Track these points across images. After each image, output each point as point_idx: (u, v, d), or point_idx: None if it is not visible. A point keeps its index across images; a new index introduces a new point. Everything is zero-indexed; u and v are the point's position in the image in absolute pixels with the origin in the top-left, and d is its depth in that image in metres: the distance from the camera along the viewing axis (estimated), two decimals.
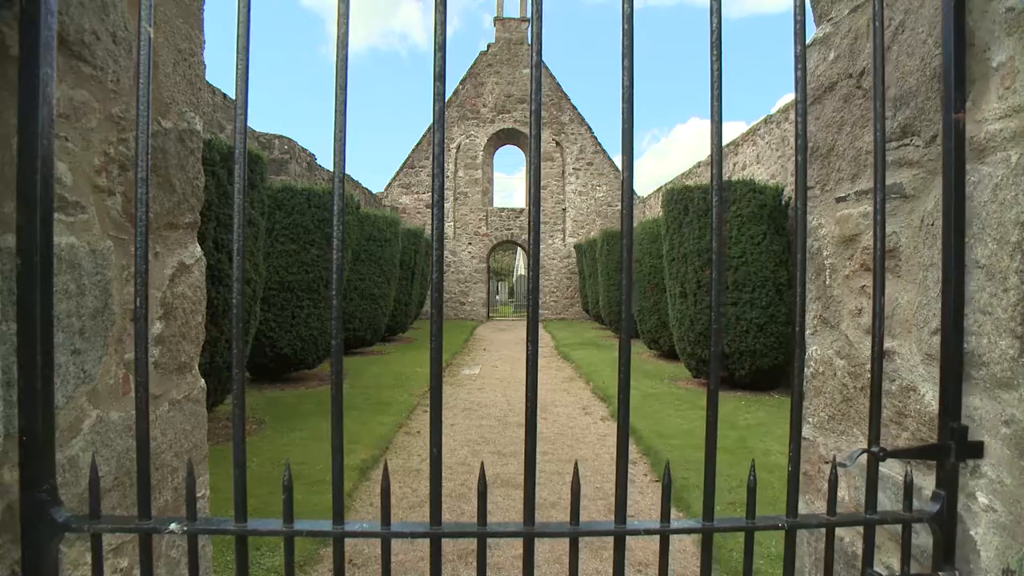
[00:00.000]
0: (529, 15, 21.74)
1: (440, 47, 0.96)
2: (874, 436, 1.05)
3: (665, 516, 1.04)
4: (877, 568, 1.23)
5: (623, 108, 1.02)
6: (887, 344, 1.21)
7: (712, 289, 1.06)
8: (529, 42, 21.99)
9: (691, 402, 7.15)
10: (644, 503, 4.01)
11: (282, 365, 7.81)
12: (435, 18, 0.97)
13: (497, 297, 37.52)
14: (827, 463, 1.41)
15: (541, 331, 17.73)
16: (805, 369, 1.53)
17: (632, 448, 5.33)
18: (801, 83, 1.05)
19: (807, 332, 1.51)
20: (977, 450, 1.01)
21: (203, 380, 1.56)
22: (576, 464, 1.07)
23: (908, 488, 1.06)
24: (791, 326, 7.63)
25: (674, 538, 3.44)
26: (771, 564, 3.05)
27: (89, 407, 1.15)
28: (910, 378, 1.15)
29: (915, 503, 1.10)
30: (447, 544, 3.29)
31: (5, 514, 0.96)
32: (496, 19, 21.60)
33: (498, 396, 7.69)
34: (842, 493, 1.35)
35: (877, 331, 1.05)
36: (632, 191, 1.06)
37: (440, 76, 0.96)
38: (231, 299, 5.30)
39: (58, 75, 1.05)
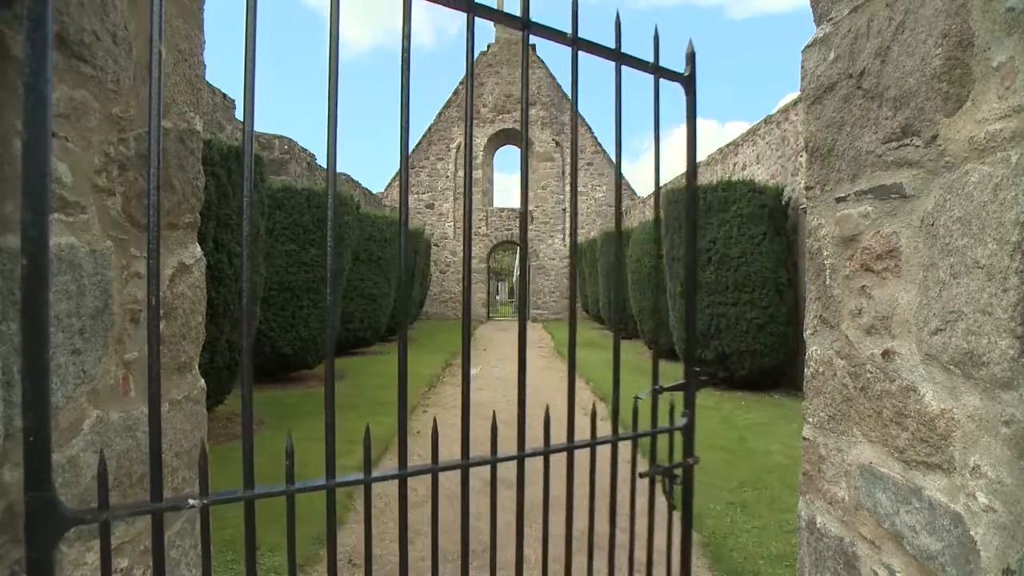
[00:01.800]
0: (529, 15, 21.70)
1: (405, 106, 1.14)
2: (655, 378, 1.63)
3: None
4: (875, 567, 1.23)
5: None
6: (887, 344, 1.21)
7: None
8: (530, 41, 21.92)
9: None
10: (644, 503, 4.00)
11: (282, 365, 7.81)
12: (401, 81, 1.12)
13: (497, 297, 37.55)
14: (826, 463, 1.41)
15: (541, 332, 17.72)
16: (805, 369, 1.53)
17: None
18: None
19: (807, 332, 1.51)
20: (704, 383, 1.71)
21: (203, 380, 1.56)
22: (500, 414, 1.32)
23: (671, 411, 1.65)
24: (791, 326, 7.62)
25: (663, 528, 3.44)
26: (771, 564, 3.05)
27: (89, 407, 1.15)
28: (910, 378, 1.15)
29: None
30: (450, 545, 3.28)
31: (5, 514, 0.96)
32: None
33: (498, 396, 7.69)
34: (842, 493, 1.35)
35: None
36: (520, 219, 1.09)
37: (405, 127, 1.15)
38: (231, 297, 5.27)
39: (58, 75, 1.05)
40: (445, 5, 1.21)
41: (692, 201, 1.70)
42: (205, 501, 1.03)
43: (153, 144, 0.97)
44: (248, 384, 1.08)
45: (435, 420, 1.30)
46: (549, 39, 1.38)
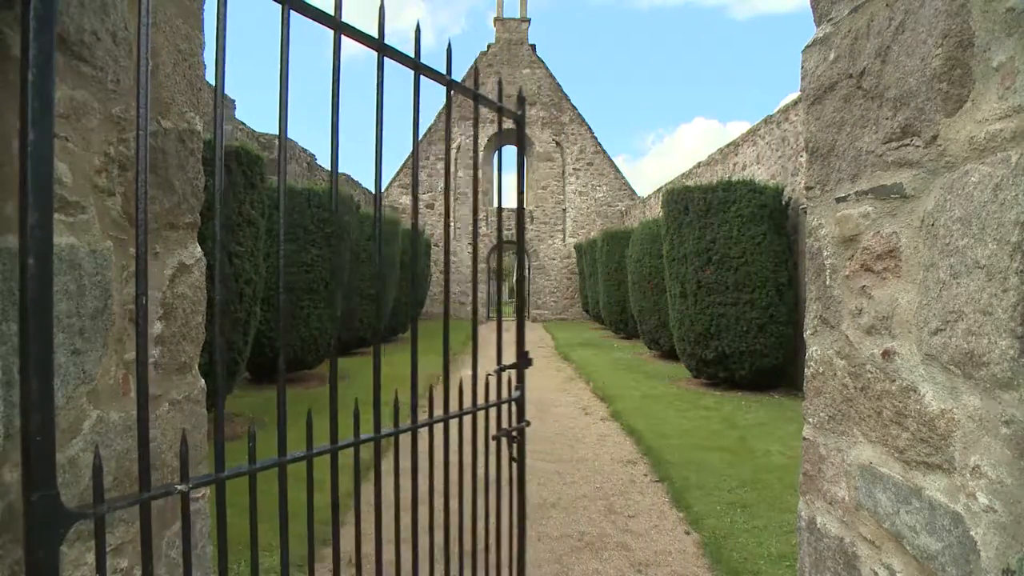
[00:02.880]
0: (529, 15, 21.78)
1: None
2: (499, 359, 2.05)
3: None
4: (875, 567, 1.23)
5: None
6: (887, 344, 1.21)
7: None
8: (530, 41, 22.05)
9: (691, 402, 7.15)
10: (644, 503, 4.00)
11: None
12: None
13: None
14: (826, 463, 1.41)
15: (542, 332, 17.72)
16: (806, 369, 1.53)
17: (632, 448, 5.33)
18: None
19: (807, 332, 1.51)
20: (530, 362, 2.19)
21: (203, 380, 1.56)
22: (396, 391, 1.69)
23: (510, 386, 2.12)
24: (791, 326, 7.63)
25: (673, 537, 3.44)
26: (771, 564, 3.05)
27: (89, 407, 1.15)
28: (910, 378, 1.15)
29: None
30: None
31: (5, 514, 0.96)
32: (496, 19, 21.59)
33: None
34: (843, 493, 1.35)
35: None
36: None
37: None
38: (232, 297, 5.28)
39: (58, 75, 1.05)
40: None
41: (520, 218, 2.22)
42: (189, 486, 1.12)
43: (141, 151, 0.97)
44: (222, 374, 1.17)
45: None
46: (429, 78, 1.66)
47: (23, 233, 0.83)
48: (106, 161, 1.18)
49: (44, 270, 0.84)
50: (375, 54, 1.46)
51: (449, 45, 1.77)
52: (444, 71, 1.72)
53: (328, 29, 1.35)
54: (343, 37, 1.38)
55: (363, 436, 1.52)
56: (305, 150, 12.17)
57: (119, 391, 1.23)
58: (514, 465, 2.16)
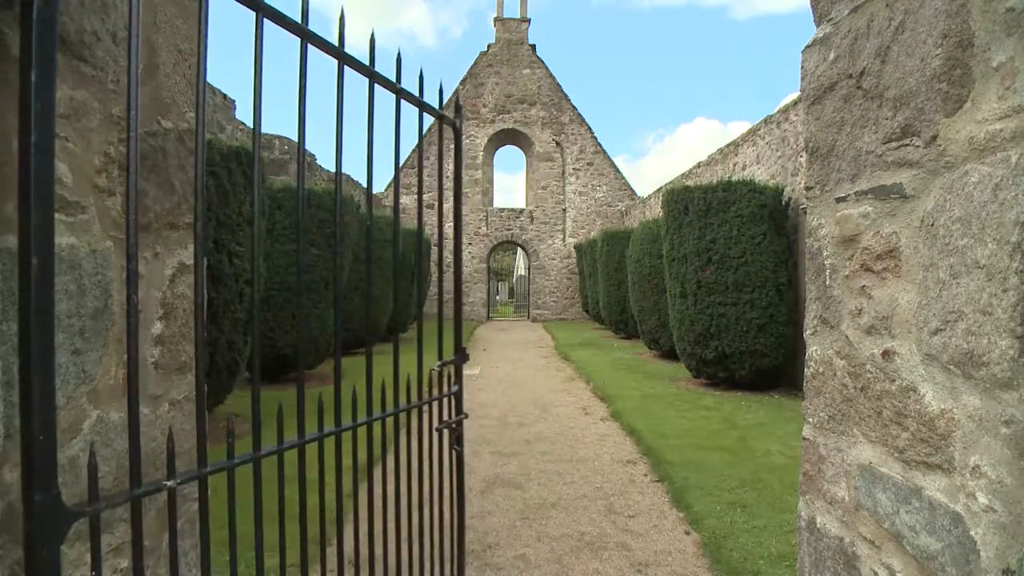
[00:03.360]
0: (529, 15, 21.77)
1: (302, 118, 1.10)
2: (440, 355, 2.18)
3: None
4: (875, 567, 1.23)
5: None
6: (887, 344, 1.21)
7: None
8: (530, 41, 22.05)
9: (691, 402, 7.15)
10: (644, 503, 4.01)
11: (281, 365, 7.81)
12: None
13: (497, 297, 37.55)
14: (826, 463, 1.41)
15: (542, 332, 17.71)
16: (805, 369, 1.53)
17: (632, 448, 5.33)
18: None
19: (807, 332, 1.51)
20: (466, 357, 2.32)
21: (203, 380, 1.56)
22: (355, 387, 1.75)
23: (449, 385, 2.30)
24: (791, 326, 7.63)
25: (673, 537, 3.44)
26: (771, 564, 3.05)
27: (89, 407, 1.15)
28: (910, 378, 1.15)
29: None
30: None
31: (5, 514, 0.96)
32: (496, 19, 21.57)
33: (498, 396, 7.69)
34: (842, 493, 1.35)
35: None
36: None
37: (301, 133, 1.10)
38: (231, 297, 5.27)
39: (58, 75, 1.05)
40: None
41: (458, 224, 2.44)
42: (176, 482, 1.14)
43: (132, 154, 0.97)
44: (200, 372, 1.19)
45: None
46: (381, 85, 1.72)
47: (24, 233, 0.83)
48: (106, 161, 1.18)
49: (45, 270, 0.84)
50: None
51: (399, 55, 1.87)
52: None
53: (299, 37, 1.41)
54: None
55: (326, 430, 1.62)
56: (305, 150, 12.17)
57: (119, 391, 1.23)
58: (455, 453, 2.37)
